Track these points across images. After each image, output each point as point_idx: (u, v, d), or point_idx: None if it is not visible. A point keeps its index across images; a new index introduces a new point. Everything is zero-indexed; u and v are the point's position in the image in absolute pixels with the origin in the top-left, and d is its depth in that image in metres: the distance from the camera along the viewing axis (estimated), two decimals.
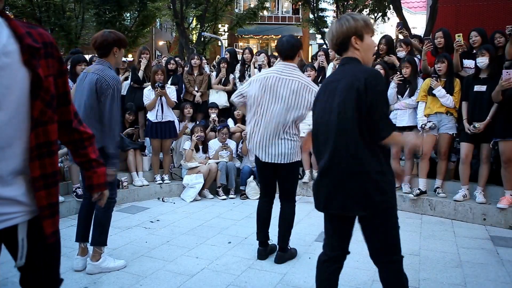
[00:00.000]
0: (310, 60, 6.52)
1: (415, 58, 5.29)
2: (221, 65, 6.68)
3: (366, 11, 20.25)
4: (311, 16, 21.51)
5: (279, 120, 3.16)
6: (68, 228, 4.00)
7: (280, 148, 3.20)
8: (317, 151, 2.13)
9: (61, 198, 4.46)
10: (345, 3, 20.27)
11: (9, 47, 1.22)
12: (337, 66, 5.74)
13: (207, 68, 7.07)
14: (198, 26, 19.25)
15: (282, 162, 3.23)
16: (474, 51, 4.97)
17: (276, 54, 6.91)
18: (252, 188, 5.64)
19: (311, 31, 26.62)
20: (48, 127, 1.35)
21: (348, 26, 2.03)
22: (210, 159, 5.87)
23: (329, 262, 2.18)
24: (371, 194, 1.93)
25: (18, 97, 1.25)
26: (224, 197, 5.64)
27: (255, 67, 6.32)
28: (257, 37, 29.66)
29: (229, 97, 6.63)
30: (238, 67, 6.72)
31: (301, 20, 25.18)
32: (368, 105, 1.89)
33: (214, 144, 5.99)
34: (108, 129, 2.97)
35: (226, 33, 24.87)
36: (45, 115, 1.33)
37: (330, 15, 22.62)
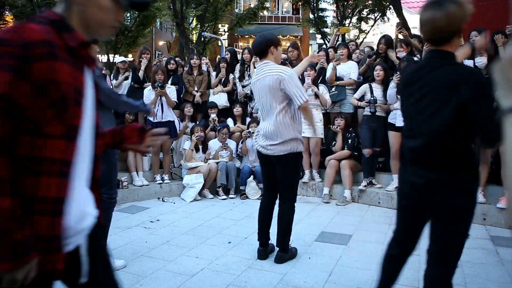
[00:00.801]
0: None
1: (415, 58, 5.29)
2: (220, 65, 6.68)
3: (366, 11, 20.23)
4: (311, 16, 21.46)
5: (274, 116, 3.22)
6: None
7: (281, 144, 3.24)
8: None
9: None
10: (345, 3, 20.24)
11: None
12: (337, 66, 5.79)
13: (205, 67, 7.04)
14: (198, 26, 19.21)
15: (279, 154, 3.24)
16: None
17: None
18: (252, 188, 5.64)
19: (311, 31, 26.54)
20: None
21: (461, 13, 1.76)
22: (210, 159, 5.87)
23: (394, 258, 2.20)
24: None
25: (93, 106, 1.33)
26: (224, 197, 5.64)
27: (254, 67, 6.29)
28: None
29: (229, 97, 6.64)
30: (238, 67, 6.72)
31: (301, 20, 25.10)
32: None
33: (214, 144, 5.99)
34: (114, 100, 3.07)
35: (226, 33, 24.82)
36: None
37: (330, 15, 22.61)
